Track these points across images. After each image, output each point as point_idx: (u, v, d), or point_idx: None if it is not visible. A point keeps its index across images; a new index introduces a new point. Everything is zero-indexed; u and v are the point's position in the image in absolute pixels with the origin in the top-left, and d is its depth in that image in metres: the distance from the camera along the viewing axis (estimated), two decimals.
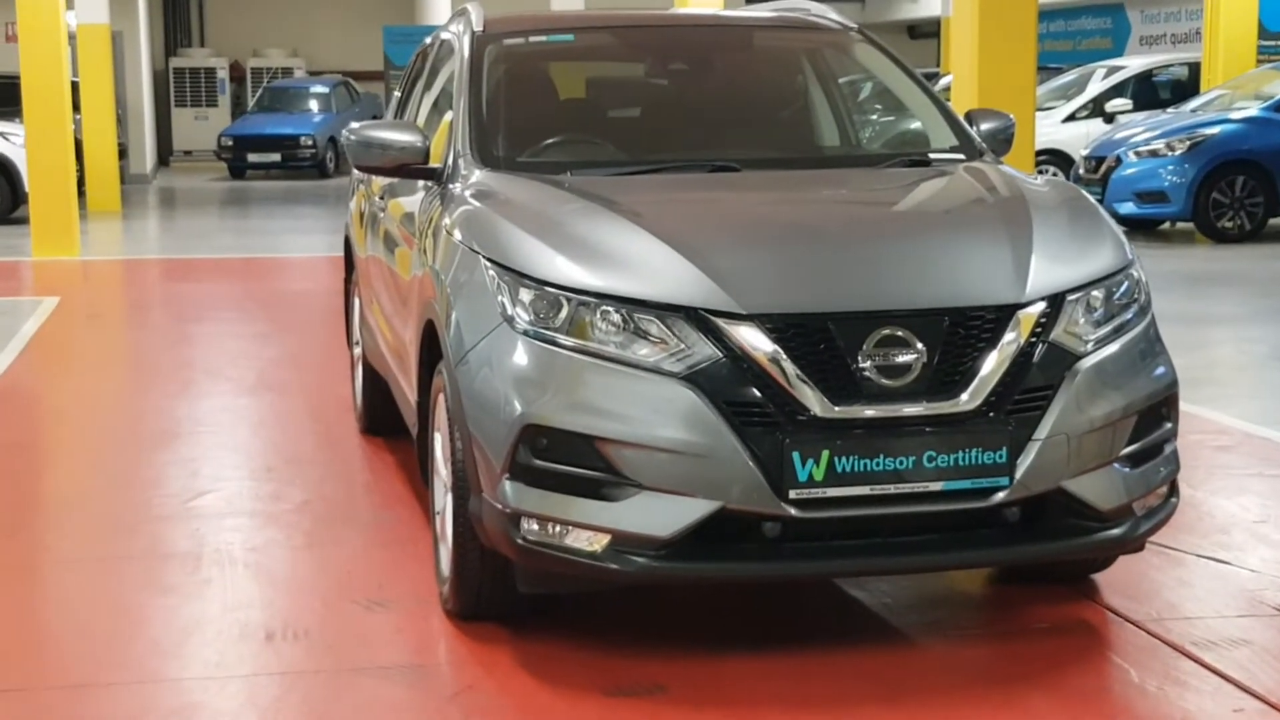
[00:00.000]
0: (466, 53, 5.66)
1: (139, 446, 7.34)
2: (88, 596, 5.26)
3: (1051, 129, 18.39)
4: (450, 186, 5.11)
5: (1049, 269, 4.39)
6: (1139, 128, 16.35)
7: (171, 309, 12.59)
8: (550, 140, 5.46)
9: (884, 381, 4.12)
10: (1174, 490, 4.64)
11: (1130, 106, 18.53)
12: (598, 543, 4.15)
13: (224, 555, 5.52)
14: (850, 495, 4.11)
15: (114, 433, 7.87)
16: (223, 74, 33.64)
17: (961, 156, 5.44)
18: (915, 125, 5.84)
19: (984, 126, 5.62)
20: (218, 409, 8.15)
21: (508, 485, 4.22)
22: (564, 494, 4.17)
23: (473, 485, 4.40)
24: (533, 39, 5.92)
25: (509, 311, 4.33)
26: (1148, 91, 19.17)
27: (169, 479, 6.67)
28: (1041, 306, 4.28)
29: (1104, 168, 15.90)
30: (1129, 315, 4.50)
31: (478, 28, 5.80)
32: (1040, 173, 18.31)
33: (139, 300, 13.23)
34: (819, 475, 4.06)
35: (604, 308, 4.22)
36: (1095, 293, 4.44)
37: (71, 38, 21.67)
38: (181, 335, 10.85)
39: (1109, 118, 18.21)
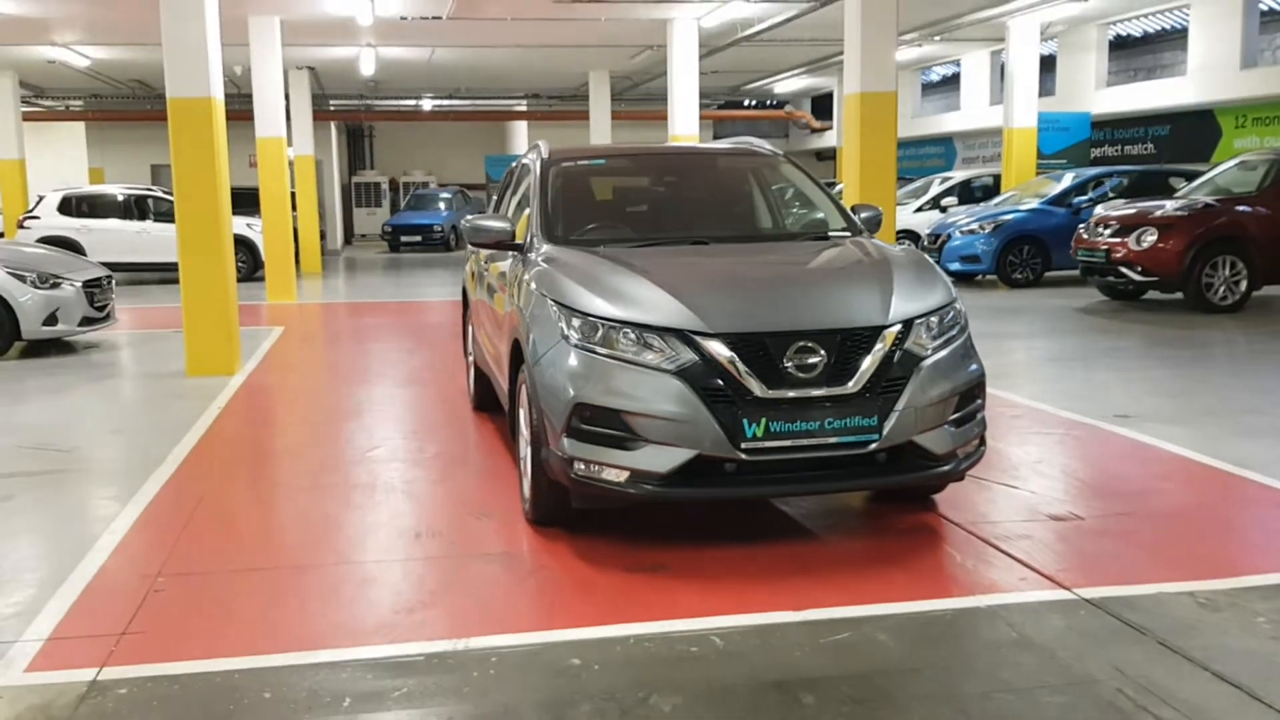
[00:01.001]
0: (538, 171, 5.63)
1: (335, 418, 7.32)
2: (305, 510, 5.24)
3: (907, 216, 18.14)
4: (529, 255, 5.08)
5: (903, 303, 4.38)
6: (962, 215, 16.24)
7: (354, 334, 12.55)
8: (590, 225, 5.38)
9: (800, 375, 4.11)
10: (983, 441, 4.61)
11: (956, 202, 18.36)
12: (621, 476, 4.15)
13: (389, 485, 5.50)
14: (779, 445, 4.09)
15: (319, 410, 7.85)
16: (385, 185, 33.58)
17: (848, 234, 5.41)
18: (819, 214, 5.75)
19: (863, 215, 5.60)
20: (383, 395, 8.13)
21: (565, 441, 4.23)
22: (600, 445, 4.16)
23: (544, 441, 4.39)
24: (579, 162, 5.84)
25: (565, 332, 4.34)
26: (968, 192, 19.06)
27: (354, 438, 6.63)
28: (898, 327, 4.27)
29: (940, 241, 15.79)
30: (953, 333, 4.48)
31: (545, 155, 5.79)
32: (900, 243, 18.38)
33: (333, 328, 13.20)
34: (760, 433, 4.07)
35: (625, 330, 4.22)
36: (932, 319, 4.42)
37: (290, 164, 21.79)
38: (360, 350, 10.83)
39: (943, 209, 18.08)
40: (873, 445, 4.17)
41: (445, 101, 29.07)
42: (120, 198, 18.87)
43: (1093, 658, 3.37)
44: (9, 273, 9.85)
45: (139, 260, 18.16)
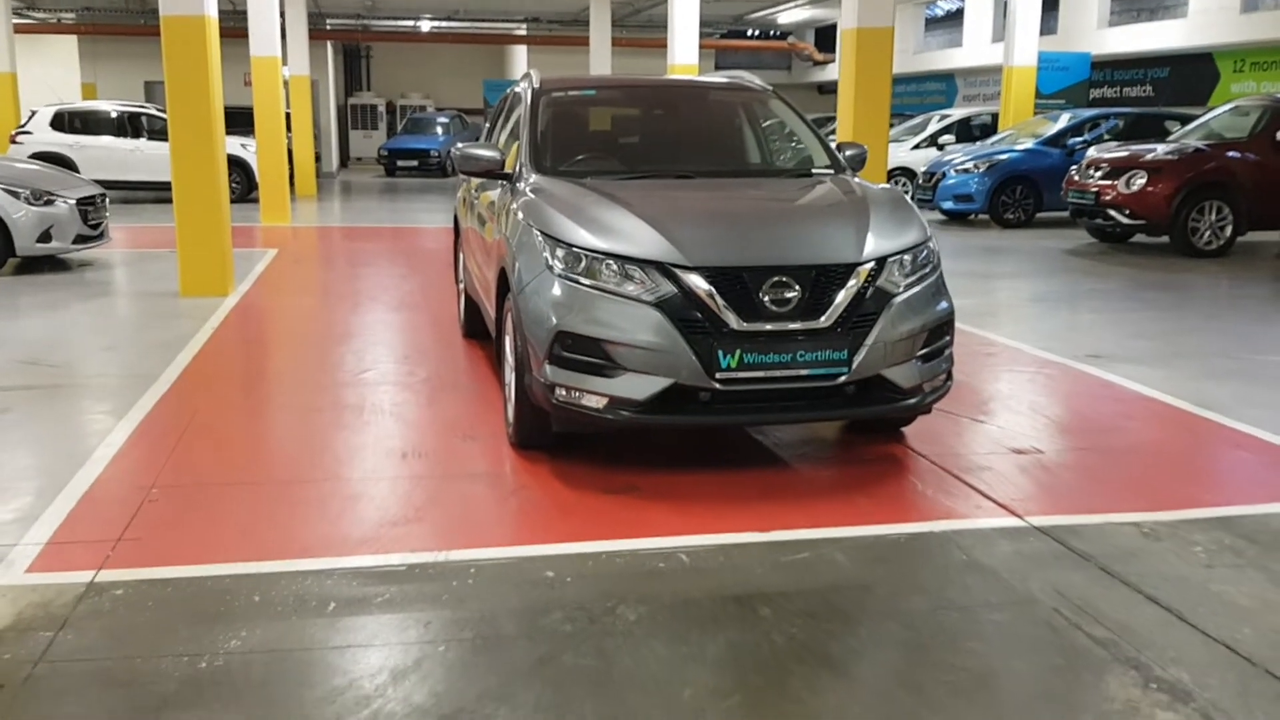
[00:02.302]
0: (529, 100, 5.71)
1: (327, 341, 7.43)
2: (296, 429, 5.40)
3: (904, 154, 18.31)
4: (517, 185, 5.17)
5: (878, 241, 4.50)
6: (958, 154, 16.30)
7: (347, 257, 12.66)
8: (578, 156, 5.47)
9: (775, 309, 4.25)
10: (949, 377, 4.77)
11: (954, 140, 18.43)
12: (600, 403, 4.29)
13: (377, 407, 5.65)
14: (752, 376, 4.24)
15: (312, 332, 7.97)
16: (381, 108, 33.38)
17: (831, 171, 5.53)
18: (804, 151, 5.84)
19: (848, 153, 5.69)
20: (375, 320, 8.25)
21: (548, 367, 4.38)
22: (581, 373, 4.30)
23: (527, 367, 4.53)
24: (570, 92, 5.90)
25: (550, 262, 4.46)
26: (967, 131, 19.10)
27: (345, 361, 6.75)
28: (871, 265, 4.40)
29: (934, 179, 15.88)
30: (925, 271, 4.61)
31: (536, 85, 5.87)
32: (894, 183, 18.44)
33: (327, 252, 13.29)
34: (734, 364, 4.22)
35: (607, 261, 4.34)
36: (905, 257, 4.55)
37: (285, 84, 21.66)
38: (354, 274, 10.93)
39: (940, 147, 18.13)
40: (842, 378, 4.34)
41: (444, 23, 28.80)
42: (114, 115, 18.80)
43: (1035, 580, 3.59)
44: (3, 189, 9.94)
45: (132, 179, 18.14)
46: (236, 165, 17.95)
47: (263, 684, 2.92)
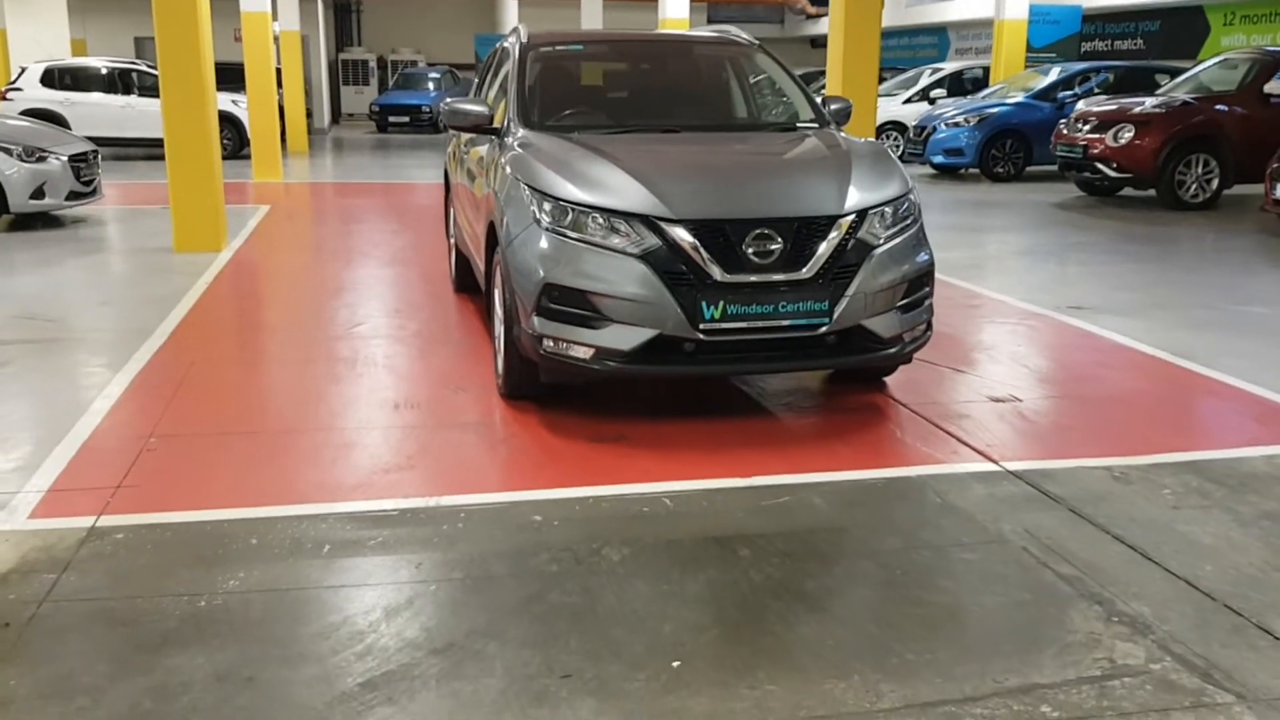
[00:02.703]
0: (516, 55, 5.74)
1: (320, 295, 7.49)
2: (290, 381, 5.49)
3: (896, 108, 18.32)
4: (505, 139, 5.21)
5: (859, 194, 4.56)
6: (949, 107, 16.29)
7: (339, 213, 12.67)
8: (566, 111, 5.51)
9: (757, 260, 4.32)
10: (929, 327, 4.84)
11: (946, 94, 18.39)
12: (587, 353, 4.38)
13: (370, 360, 5.73)
14: (735, 327, 4.33)
15: (305, 287, 8.03)
16: (372, 63, 33.16)
17: (815, 125, 5.58)
18: (790, 105, 5.88)
19: (833, 106, 5.76)
20: (367, 274, 8.30)
21: (535, 319, 4.46)
22: (568, 324, 4.38)
23: (516, 320, 4.61)
24: (558, 47, 5.91)
25: (537, 216, 4.52)
26: (959, 85, 19.05)
27: (338, 315, 6.82)
28: (852, 217, 4.47)
29: (925, 133, 15.90)
30: (906, 223, 4.68)
31: (524, 40, 5.90)
32: (885, 138, 18.44)
33: (319, 208, 13.30)
34: (717, 315, 4.30)
35: (593, 214, 4.40)
36: (886, 209, 4.62)
37: (276, 39, 21.53)
38: (345, 230, 10.96)
39: (931, 101, 18.10)
40: (823, 328, 4.42)
41: None
42: (104, 71, 18.73)
43: (1006, 521, 3.71)
44: None
45: (123, 135, 18.08)
46: (228, 121, 17.91)
47: (261, 621, 3.03)
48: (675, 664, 2.82)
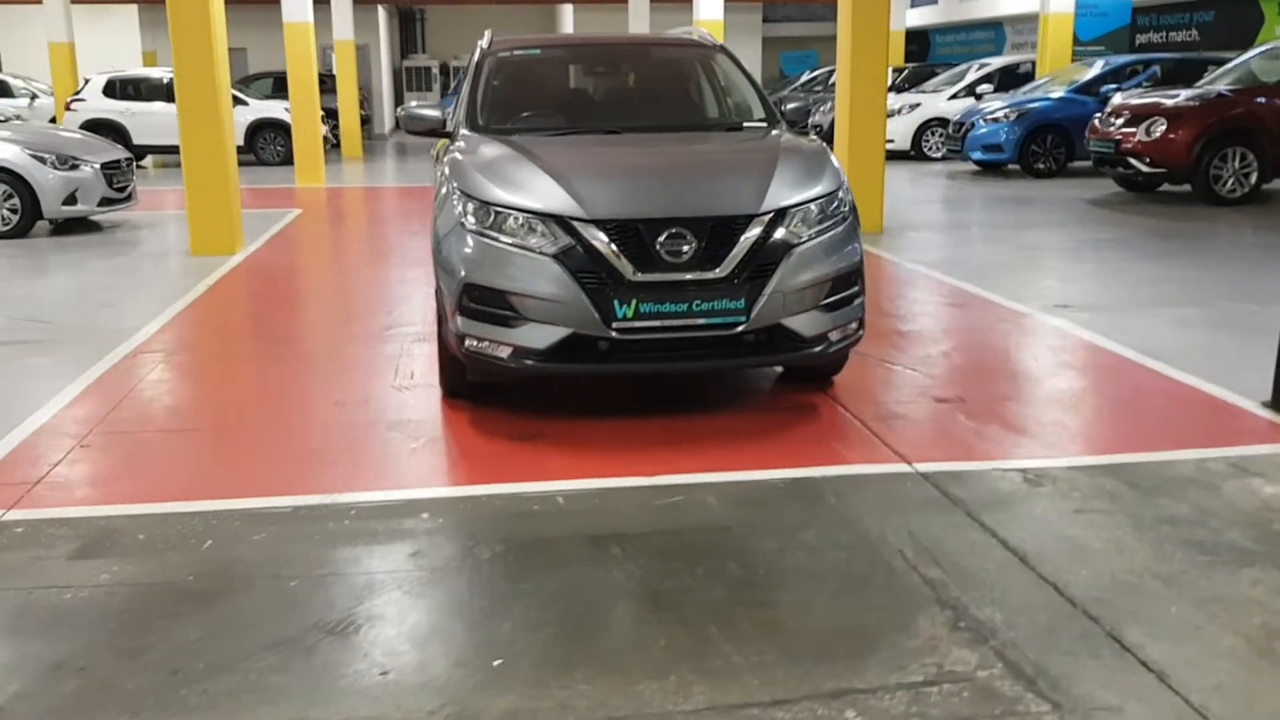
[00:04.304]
0: (474, 60, 5.81)
1: (315, 296, 7.60)
2: (250, 379, 5.59)
3: (941, 104, 18.06)
4: (452, 143, 5.29)
5: (779, 193, 4.50)
6: (993, 102, 15.99)
7: (369, 216, 12.85)
8: (514, 114, 5.52)
9: (670, 260, 4.30)
10: (861, 325, 4.76)
11: (992, 89, 17.99)
12: (506, 352, 4.40)
13: (338, 358, 5.83)
14: (649, 325, 4.31)
15: (303, 288, 8.16)
16: (435, 69, 33.57)
17: (763, 125, 5.53)
18: (741, 106, 5.82)
19: (789, 106, 5.72)
20: (370, 275, 8.37)
21: (459, 319, 4.49)
22: (488, 323, 4.41)
23: (446, 319, 4.68)
24: (515, 52, 5.92)
25: (462, 217, 4.55)
26: (1012, 79, 18.61)
27: (325, 316, 6.89)
28: (770, 216, 4.42)
29: (964, 129, 15.63)
30: (832, 221, 4.59)
31: (484, 45, 5.95)
32: (930, 134, 18.15)
33: (349, 212, 13.49)
34: (630, 314, 4.29)
35: (513, 215, 4.42)
36: (811, 207, 4.55)
37: (329, 49, 21.98)
38: (367, 232, 11.13)
39: (978, 96, 17.74)
40: (740, 327, 4.38)
41: None
42: (164, 81, 19.21)
43: (893, 523, 3.63)
44: (30, 155, 10.30)
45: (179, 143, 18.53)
46: (280, 128, 18.35)
47: (119, 614, 3.10)
48: (497, 662, 2.82)
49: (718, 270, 4.35)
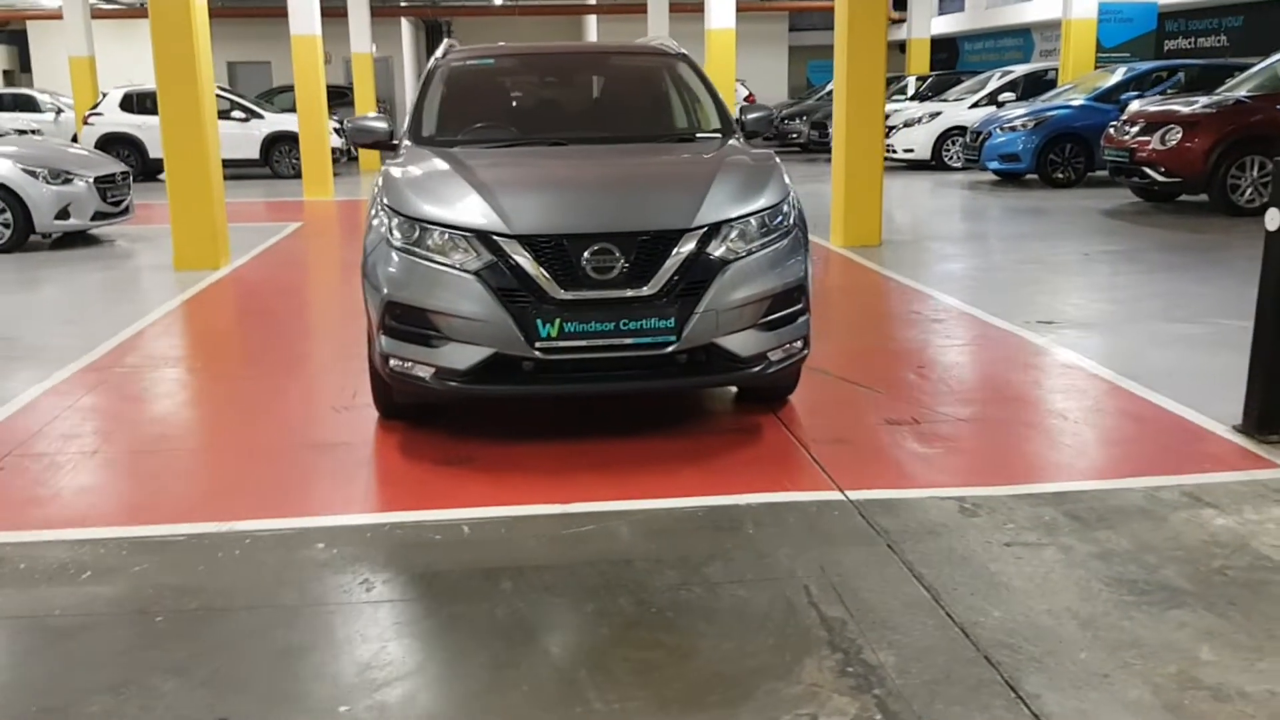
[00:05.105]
0: (427, 71, 5.70)
1: (288, 313, 7.44)
2: (194, 399, 5.48)
3: (960, 113, 17.77)
4: (395, 156, 5.16)
5: (716, 207, 4.31)
6: (1011, 110, 15.69)
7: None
8: (461, 126, 5.37)
9: (597, 276, 4.13)
10: (806, 344, 4.55)
11: (1014, 97, 17.69)
12: (428, 373, 4.25)
13: (294, 376, 5.72)
14: (574, 345, 4.15)
15: (278, 304, 7.99)
16: None
17: (718, 136, 5.34)
18: (700, 115, 5.63)
19: (751, 115, 5.51)
20: (351, 292, 8.08)
21: (382, 338, 4.36)
22: (410, 343, 4.26)
23: (372, 338, 4.56)
24: (469, 62, 5.77)
25: (388, 233, 4.41)
26: (1038, 87, 18.25)
27: (286, 333, 6.75)
28: (703, 231, 4.24)
29: (981, 138, 15.35)
30: (773, 237, 4.40)
31: (439, 54, 5.83)
32: (950, 143, 17.85)
33: (351, 224, 13.28)
34: (554, 333, 4.13)
35: (436, 230, 4.28)
36: (751, 220, 4.36)
37: (347, 61, 22.02)
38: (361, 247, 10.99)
39: (1000, 105, 17.44)
40: (671, 347, 4.21)
41: None
42: None
43: (806, 556, 3.44)
44: (23, 169, 10.32)
45: None
46: (295, 141, 18.29)
47: None
48: (343, 709, 2.66)
49: (646, 288, 4.18)
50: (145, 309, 7.55)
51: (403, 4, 28.45)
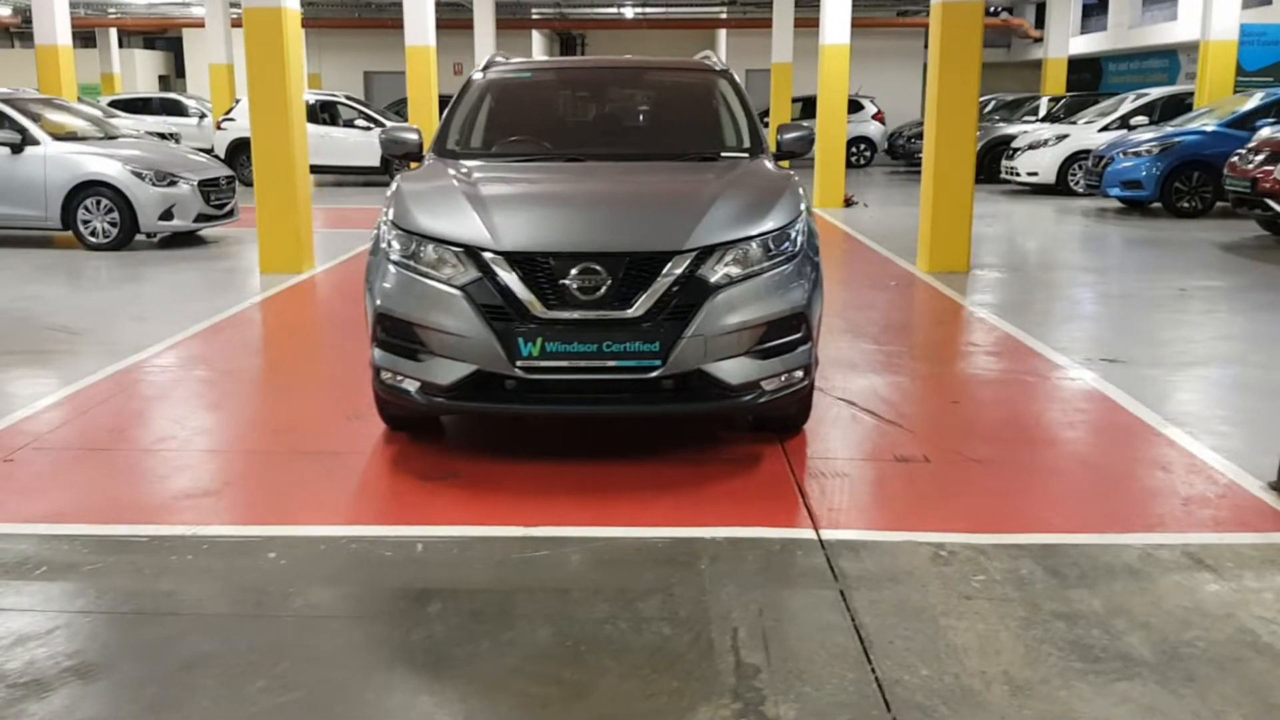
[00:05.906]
0: (463, 83, 5.75)
1: (345, 320, 7.47)
2: (218, 400, 5.55)
3: (1090, 135, 17.09)
4: (417, 168, 5.21)
5: (712, 229, 4.20)
6: (1140, 134, 15.02)
7: None
8: (481, 139, 5.41)
9: (581, 296, 4.07)
10: (807, 373, 4.40)
11: (1147, 121, 16.92)
12: (414, 386, 4.26)
13: (321, 383, 5.80)
14: (556, 365, 4.10)
15: (341, 311, 8.12)
16: None
17: (744, 155, 5.20)
18: (731, 133, 5.48)
19: (788, 135, 5.35)
20: None
21: (375, 350, 4.39)
22: (398, 356, 4.29)
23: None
24: (505, 75, 5.77)
25: (386, 245, 4.44)
26: (1177, 110, 17.40)
27: (343, 340, 6.82)
28: (695, 253, 4.14)
29: (1103, 163, 14.73)
30: (773, 261, 4.26)
31: (481, 67, 5.86)
32: (1077, 168, 17.17)
33: None
34: (535, 352, 4.09)
35: (431, 245, 4.29)
36: (752, 244, 4.24)
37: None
38: None
39: (1131, 128, 16.71)
40: (655, 372, 4.11)
41: (645, 9, 29.03)
42: (311, 102, 20.06)
43: (749, 597, 3.31)
44: (130, 171, 10.83)
45: (320, 163, 19.26)
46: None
47: None
48: None
49: (630, 310, 4.09)
50: (216, 309, 7.79)
51: (534, 16, 28.88)
